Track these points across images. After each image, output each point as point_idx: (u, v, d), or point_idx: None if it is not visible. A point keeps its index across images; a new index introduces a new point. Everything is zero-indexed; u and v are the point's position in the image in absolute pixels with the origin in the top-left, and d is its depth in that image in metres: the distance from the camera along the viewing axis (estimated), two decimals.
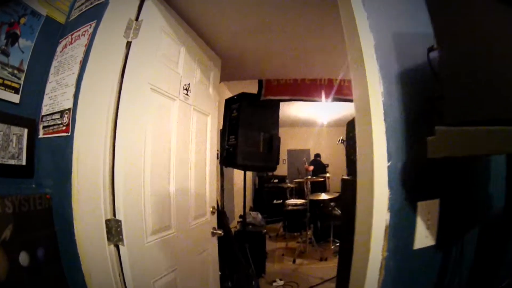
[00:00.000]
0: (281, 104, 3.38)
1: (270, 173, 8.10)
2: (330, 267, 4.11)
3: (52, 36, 1.61)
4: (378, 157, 0.91)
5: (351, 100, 3.00)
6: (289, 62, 2.89)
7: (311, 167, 7.42)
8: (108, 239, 1.30)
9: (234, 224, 4.85)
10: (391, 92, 1.01)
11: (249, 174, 6.84)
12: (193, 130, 1.93)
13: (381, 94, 0.99)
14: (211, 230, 2.09)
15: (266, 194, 7.41)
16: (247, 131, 3.04)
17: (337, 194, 5.05)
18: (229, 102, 3.42)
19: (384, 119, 0.96)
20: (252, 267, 3.11)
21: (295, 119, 7.35)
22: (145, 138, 1.45)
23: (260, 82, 3.25)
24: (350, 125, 1.92)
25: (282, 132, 8.53)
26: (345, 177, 1.96)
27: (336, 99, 3.25)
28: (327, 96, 3.19)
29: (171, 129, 1.67)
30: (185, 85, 1.84)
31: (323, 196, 4.98)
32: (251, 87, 3.32)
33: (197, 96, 2.00)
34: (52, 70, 1.56)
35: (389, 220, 0.93)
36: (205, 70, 2.16)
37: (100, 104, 1.33)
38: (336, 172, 7.99)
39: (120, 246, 1.31)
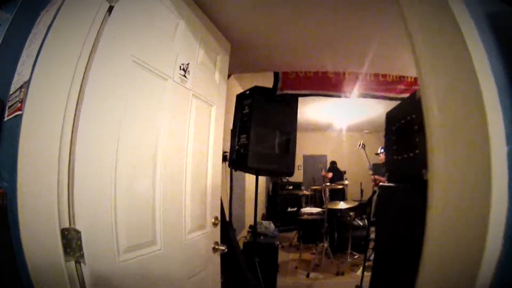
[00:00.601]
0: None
1: (285, 179, 7.70)
2: (348, 283, 3.71)
3: (33, 7, 1.35)
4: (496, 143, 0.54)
5: (379, 97, 2.60)
6: (310, 52, 2.52)
7: (330, 174, 6.99)
8: (66, 253, 0.95)
9: (244, 234, 4.46)
10: None
11: (262, 179, 6.46)
12: (191, 121, 1.57)
13: None
14: (212, 245, 1.71)
15: (280, 201, 7.00)
16: (261, 129, 2.67)
17: (356, 203, 4.59)
18: (240, 98, 3.06)
19: None
20: (262, 286, 2.71)
21: (312, 123, 6.93)
22: (121, 125, 1.10)
23: (276, 75, 2.88)
24: (396, 114, 1.52)
25: (298, 136, 8.14)
26: (384, 183, 1.57)
27: (364, 95, 2.85)
28: (351, 91, 2.79)
29: (160, 116, 1.32)
30: (183, 64, 1.50)
31: (342, 205, 4.53)
32: (266, 82, 2.96)
33: (198, 80, 1.65)
34: (26, 43, 1.27)
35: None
36: (210, 52, 1.81)
37: (60, 76, 1.00)
38: (354, 179, 7.52)
39: (82, 265, 0.97)
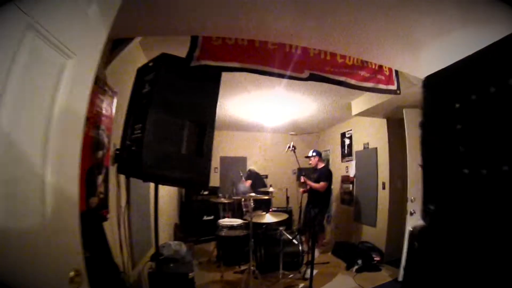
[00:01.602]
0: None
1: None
2: None
3: None
4: None
5: (335, 82, 1.88)
6: (248, 11, 1.69)
7: (249, 182, 6.34)
8: None
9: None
10: None
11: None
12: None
13: None
14: None
15: (195, 208, 6.03)
16: (163, 118, 1.70)
17: (285, 216, 3.91)
18: (141, 73, 2.02)
19: None
20: None
21: (230, 120, 6.09)
22: None
23: (193, 40, 1.96)
24: (465, 77, 0.75)
25: (215, 136, 7.20)
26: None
27: (317, 78, 2.15)
28: (300, 70, 2.06)
29: None
30: None
31: (268, 218, 3.79)
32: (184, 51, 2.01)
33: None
34: None
35: None
36: None
37: None
38: (277, 185, 7.00)
39: None
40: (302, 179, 4.26)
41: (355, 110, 4.38)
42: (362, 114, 4.39)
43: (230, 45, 1.94)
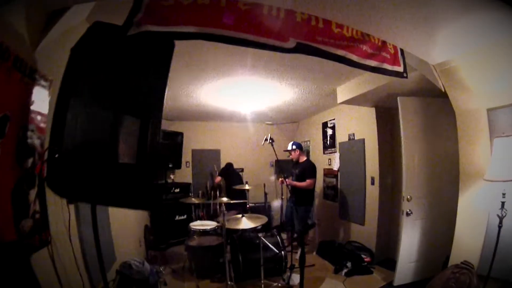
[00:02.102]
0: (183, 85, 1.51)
1: (170, 179, 6.09)
2: None
3: None
4: None
5: (332, 56, 1.38)
6: None
7: (218, 178, 5.83)
8: None
9: (112, 276, 2.69)
10: None
11: None
12: None
13: None
14: None
15: (166, 208, 5.42)
16: (87, 109, 1.11)
17: (264, 219, 3.38)
18: (76, 51, 1.37)
19: None
20: None
21: (201, 110, 5.39)
22: None
23: (137, 1, 1.35)
24: None
25: (186, 127, 6.63)
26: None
27: (307, 49, 1.59)
28: (284, 38, 1.50)
29: None
30: None
31: (245, 224, 3.25)
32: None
33: None
34: None
35: None
36: None
37: None
38: (254, 179, 6.49)
39: None
40: (285, 181, 3.77)
41: (341, 97, 3.88)
42: (348, 102, 3.91)
43: (186, 4, 1.34)
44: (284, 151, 4.69)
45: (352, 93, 3.64)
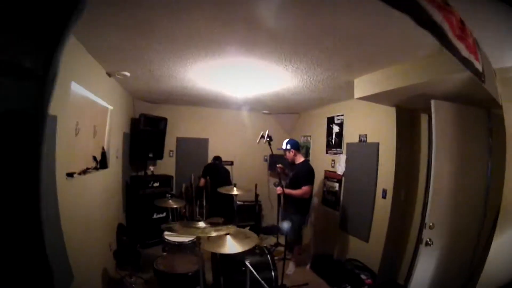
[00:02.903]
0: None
1: (149, 171, 5.38)
2: None
3: None
4: None
5: (431, 25, 0.81)
6: None
7: (203, 181, 5.23)
8: None
9: None
10: None
11: (117, 174, 3.96)
12: None
13: None
14: None
15: (143, 203, 4.71)
16: None
17: (255, 240, 2.66)
18: None
19: None
20: None
21: (188, 94, 4.56)
22: None
23: None
24: None
25: (169, 112, 5.82)
26: None
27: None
28: None
29: None
30: None
31: (231, 248, 2.39)
32: None
33: None
34: None
35: None
36: None
37: None
38: (244, 176, 5.83)
39: None
40: (279, 190, 3.15)
41: (360, 92, 3.14)
42: (368, 98, 3.20)
43: None
44: (278, 149, 4.06)
45: (375, 88, 2.90)
